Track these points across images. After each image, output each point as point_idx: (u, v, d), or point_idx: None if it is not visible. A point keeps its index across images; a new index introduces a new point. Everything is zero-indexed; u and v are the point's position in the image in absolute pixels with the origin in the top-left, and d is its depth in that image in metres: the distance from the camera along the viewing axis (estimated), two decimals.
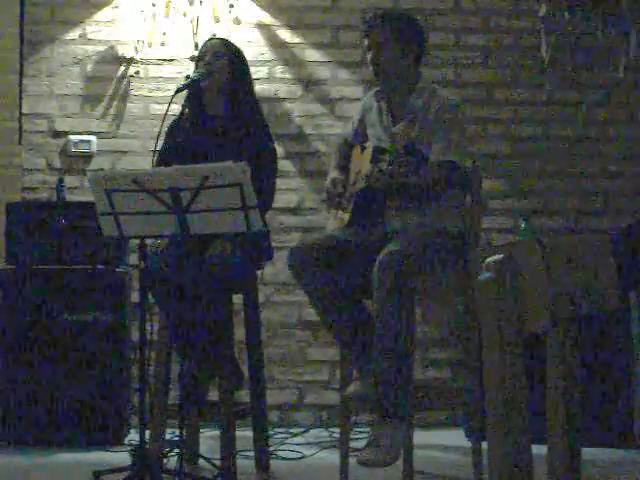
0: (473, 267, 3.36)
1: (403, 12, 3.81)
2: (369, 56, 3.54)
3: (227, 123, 3.75)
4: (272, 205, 3.79)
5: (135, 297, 3.89)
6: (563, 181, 4.93)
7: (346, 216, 3.51)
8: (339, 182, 3.54)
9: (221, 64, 3.74)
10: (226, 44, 3.82)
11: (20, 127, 4.78)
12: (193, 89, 3.73)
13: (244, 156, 3.33)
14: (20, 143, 4.78)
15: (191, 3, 4.68)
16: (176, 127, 3.82)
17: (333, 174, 3.60)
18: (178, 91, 3.68)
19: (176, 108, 3.83)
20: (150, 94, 4.80)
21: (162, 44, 4.73)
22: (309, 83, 4.88)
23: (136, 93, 4.81)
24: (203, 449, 3.84)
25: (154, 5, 4.68)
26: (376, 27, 3.52)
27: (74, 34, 4.79)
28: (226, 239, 3.51)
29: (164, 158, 3.73)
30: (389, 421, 3.16)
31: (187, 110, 3.80)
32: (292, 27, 4.86)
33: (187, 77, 3.72)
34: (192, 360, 3.50)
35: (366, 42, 3.55)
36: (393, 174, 3.23)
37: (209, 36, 4.42)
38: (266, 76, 4.84)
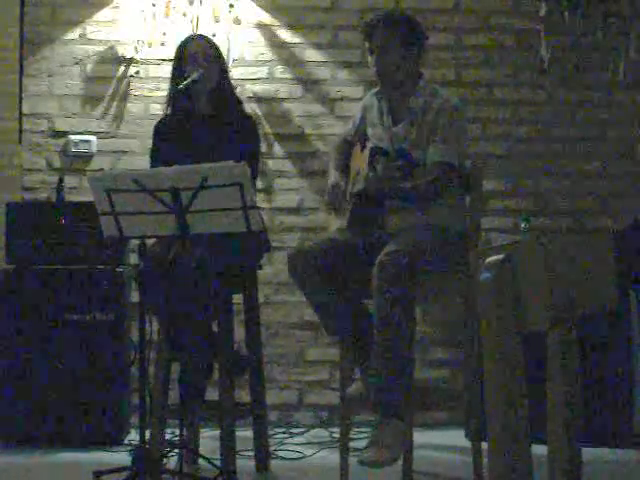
0: (473, 267, 3.37)
1: (405, 14, 3.80)
2: (371, 58, 3.53)
3: (216, 122, 3.75)
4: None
5: (135, 297, 3.89)
6: (563, 181, 4.93)
7: (346, 217, 3.51)
8: (339, 189, 3.52)
9: (214, 67, 3.75)
10: (212, 44, 3.83)
11: (20, 127, 4.78)
12: (183, 90, 3.70)
13: (235, 154, 3.32)
14: (20, 143, 4.78)
15: (191, 3, 4.68)
16: (164, 128, 3.81)
17: (333, 177, 3.58)
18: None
19: None
20: (150, 94, 4.79)
21: (162, 44, 4.73)
22: (309, 83, 4.87)
23: (136, 93, 4.81)
24: (203, 449, 3.83)
25: (154, 5, 4.68)
26: (378, 29, 3.50)
27: (74, 34, 4.79)
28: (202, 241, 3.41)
29: (156, 160, 3.71)
30: (389, 421, 3.16)
31: (175, 111, 3.79)
32: (292, 27, 4.86)
33: (186, 77, 3.70)
34: (189, 360, 3.49)
35: (368, 44, 3.54)
36: (385, 178, 3.24)
37: (209, 35, 4.41)
38: (266, 76, 4.84)
